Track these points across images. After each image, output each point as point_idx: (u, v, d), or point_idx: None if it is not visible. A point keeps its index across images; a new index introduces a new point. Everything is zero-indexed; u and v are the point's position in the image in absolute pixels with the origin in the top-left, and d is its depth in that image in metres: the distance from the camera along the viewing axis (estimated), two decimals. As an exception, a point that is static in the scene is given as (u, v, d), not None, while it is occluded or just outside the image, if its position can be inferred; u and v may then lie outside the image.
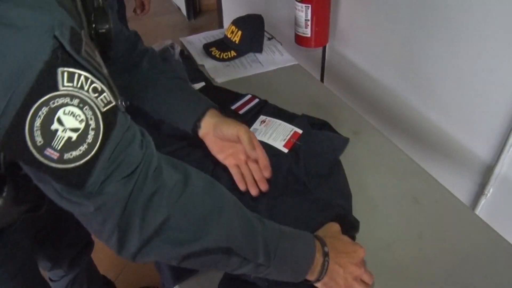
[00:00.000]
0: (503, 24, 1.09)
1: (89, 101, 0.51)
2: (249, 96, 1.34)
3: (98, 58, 0.56)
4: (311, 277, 0.76)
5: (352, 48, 1.73)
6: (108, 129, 0.53)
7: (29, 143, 0.48)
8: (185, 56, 1.63)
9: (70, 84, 0.49)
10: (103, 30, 0.74)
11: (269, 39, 1.71)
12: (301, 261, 0.75)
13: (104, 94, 0.53)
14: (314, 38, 1.65)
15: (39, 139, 0.48)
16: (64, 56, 0.49)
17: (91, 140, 0.52)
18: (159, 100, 1.03)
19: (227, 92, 1.40)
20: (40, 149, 0.49)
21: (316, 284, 0.79)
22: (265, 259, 0.69)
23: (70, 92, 0.49)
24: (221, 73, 1.53)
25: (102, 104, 0.53)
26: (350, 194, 1.04)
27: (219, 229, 0.65)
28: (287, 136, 1.17)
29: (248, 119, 1.25)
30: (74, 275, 1.39)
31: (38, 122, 0.48)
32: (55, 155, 0.50)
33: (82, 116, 0.51)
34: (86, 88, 0.51)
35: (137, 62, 1.06)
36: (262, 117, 1.25)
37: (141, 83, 1.04)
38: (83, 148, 0.51)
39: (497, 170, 1.23)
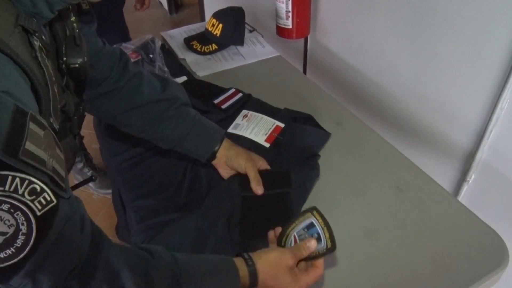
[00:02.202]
0: (475, 9, 1.10)
1: (21, 206, 0.46)
2: (232, 90, 1.33)
3: (44, 149, 0.50)
4: None
5: (333, 38, 1.73)
6: (43, 233, 0.48)
7: None
8: (166, 50, 1.62)
9: (1, 188, 0.44)
10: (76, 65, 0.70)
11: (250, 31, 1.71)
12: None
13: (44, 194, 0.48)
14: (295, 29, 1.64)
15: None
16: None
17: (20, 244, 0.47)
18: (169, 134, 1.01)
19: (210, 85, 1.39)
20: None
21: None
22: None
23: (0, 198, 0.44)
24: (203, 66, 1.52)
25: (39, 207, 0.47)
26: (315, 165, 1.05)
27: None
28: (268, 131, 1.16)
29: (230, 114, 1.25)
30: None
31: None
32: None
33: (12, 221, 0.45)
34: (20, 191, 0.45)
35: (135, 88, 1.00)
36: (244, 112, 1.25)
37: (146, 116, 1.00)
38: (9, 251, 0.46)
39: (478, 156, 1.24)
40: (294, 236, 0.82)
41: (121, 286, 0.61)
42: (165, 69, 1.44)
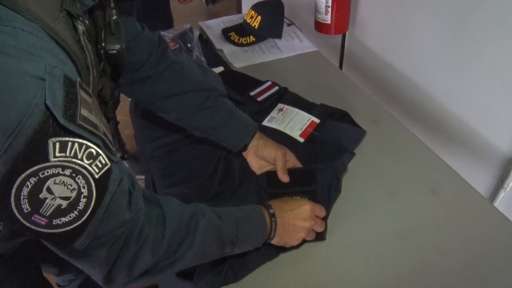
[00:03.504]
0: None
1: (82, 170, 0.48)
2: (269, 83, 1.33)
3: (94, 114, 0.53)
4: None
5: (372, 36, 1.70)
6: (101, 195, 0.51)
7: (14, 210, 0.46)
8: (204, 40, 1.62)
9: (62, 154, 0.46)
10: (113, 51, 0.71)
11: (288, 25, 1.70)
12: (258, 235, 0.82)
13: (100, 158, 0.50)
14: (334, 25, 1.62)
15: (26, 207, 0.46)
16: (55, 127, 0.46)
17: (82, 207, 0.50)
18: (204, 123, 1.03)
19: (246, 77, 1.39)
20: (27, 216, 0.46)
21: (271, 242, 0.86)
22: (229, 248, 0.77)
23: (62, 163, 0.47)
24: (240, 58, 1.52)
25: (97, 170, 0.50)
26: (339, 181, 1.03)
27: (192, 253, 0.70)
28: (304, 125, 1.16)
29: (266, 107, 1.24)
30: (83, 279, 1.37)
31: (25, 192, 0.45)
32: (43, 221, 0.48)
33: (74, 185, 0.48)
34: (80, 156, 0.48)
35: (175, 75, 1.01)
36: (280, 105, 1.24)
37: (184, 105, 1.01)
38: (73, 215, 0.49)
39: (517, 163, 1.20)
40: None
41: (194, 223, 0.71)
42: (203, 59, 1.45)
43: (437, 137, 1.49)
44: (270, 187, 1.01)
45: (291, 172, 1.01)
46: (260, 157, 1.04)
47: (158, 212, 0.67)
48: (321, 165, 1.03)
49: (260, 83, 1.33)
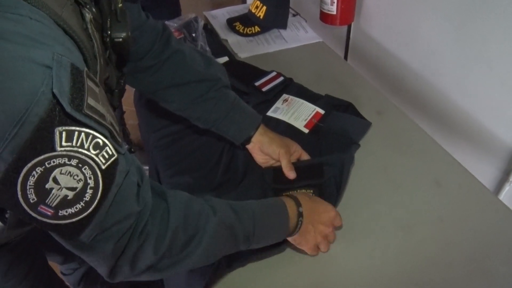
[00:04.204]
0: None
1: (89, 160, 0.48)
2: (274, 73, 1.32)
3: (101, 104, 0.52)
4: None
5: (378, 27, 1.69)
6: (107, 187, 0.51)
7: (21, 200, 0.45)
8: (209, 30, 1.62)
9: (69, 144, 0.46)
10: (119, 39, 0.71)
11: (293, 15, 1.69)
12: (278, 232, 0.81)
13: (106, 148, 0.50)
14: (339, 15, 1.61)
15: (32, 197, 0.46)
16: (62, 115, 0.45)
17: (88, 198, 0.49)
18: (207, 115, 1.02)
19: (251, 67, 1.39)
20: (33, 206, 0.46)
21: (288, 238, 0.85)
22: (245, 245, 0.75)
23: (68, 153, 0.46)
24: (245, 48, 1.51)
25: (103, 161, 0.49)
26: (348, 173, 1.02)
27: (200, 252, 0.67)
28: (308, 116, 1.15)
29: (270, 97, 1.24)
30: (87, 267, 1.37)
31: (31, 181, 0.45)
32: (50, 212, 0.47)
33: (81, 176, 0.48)
34: (86, 146, 0.47)
35: (177, 65, 1.00)
36: (284, 96, 1.24)
37: (187, 95, 1.01)
38: (79, 206, 0.49)
39: (523, 156, 1.20)
40: None
41: (205, 221, 0.68)
42: (207, 48, 1.45)
43: (442, 129, 1.48)
44: (276, 183, 1.00)
45: (297, 166, 1.01)
46: (265, 153, 1.04)
47: (163, 207, 0.66)
48: (328, 157, 1.03)
49: (265, 73, 1.33)
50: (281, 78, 1.30)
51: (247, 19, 1.60)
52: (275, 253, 0.87)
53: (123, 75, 0.84)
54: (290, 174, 1.00)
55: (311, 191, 0.96)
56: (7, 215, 0.70)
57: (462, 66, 1.32)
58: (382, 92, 1.31)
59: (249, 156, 1.07)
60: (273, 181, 1.01)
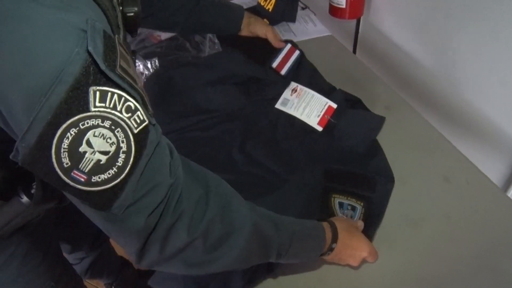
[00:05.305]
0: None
1: (121, 122, 0.47)
2: (288, 47, 1.31)
3: (132, 69, 0.52)
4: None
5: (387, 21, 1.67)
6: (139, 152, 0.50)
7: (55, 165, 0.45)
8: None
9: (102, 105, 0.46)
10: (131, 14, 0.70)
11: (303, 8, 1.68)
12: (307, 256, 0.78)
13: (138, 113, 0.49)
14: (349, 9, 1.59)
15: (66, 161, 0.45)
16: (97, 74, 0.45)
17: (121, 163, 0.48)
18: (204, 20, 1.19)
19: (262, 42, 1.32)
20: (67, 171, 0.46)
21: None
22: (276, 258, 0.72)
23: (102, 114, 0.46)
24: (253, 41, 1.50)
25: (135, 125, 0.49)
26: (393, 177, 1.01)
27: (236, 252, 0.64)
28: (321, 112, 1.13)
29: (289, 80, 1.25)
30: (94, 256, 1.37)
31: (65, 144, 0.45)
32: (83, 178, 0.47)
33: (113, 139, 0.47)
34: (119, 108, 0.47)
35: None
36: (293, 84, 1.22)
37: (184, 12, 1.14)
38: (112, 171, 0.48)
39: (532, 153, 1.18)
40: None
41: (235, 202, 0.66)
42: (216, 41, 1.44)
43: (451, 125, 1.47)
44: (329, 182, 0.99)
45: (352, 173, 1.00)
46: (253, 32, 1.24)
47: (201, 193, 0.62)
48: (377, 177, 1.01)
49: (279, 49, 1.30)
50: (297, 53, 1.31)
51: (256, 12, 1.59)
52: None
53: (133, 52, 0.84)
54: (281, 44, 1.26)
55: (361, 203, 0.94)
56: (32, 191, 0.69)
57: (472, 61, 1.31)
58: (390, 87, 1.30)
59: (251, 152, 1.05)
60: (326, 180, 0.99)
